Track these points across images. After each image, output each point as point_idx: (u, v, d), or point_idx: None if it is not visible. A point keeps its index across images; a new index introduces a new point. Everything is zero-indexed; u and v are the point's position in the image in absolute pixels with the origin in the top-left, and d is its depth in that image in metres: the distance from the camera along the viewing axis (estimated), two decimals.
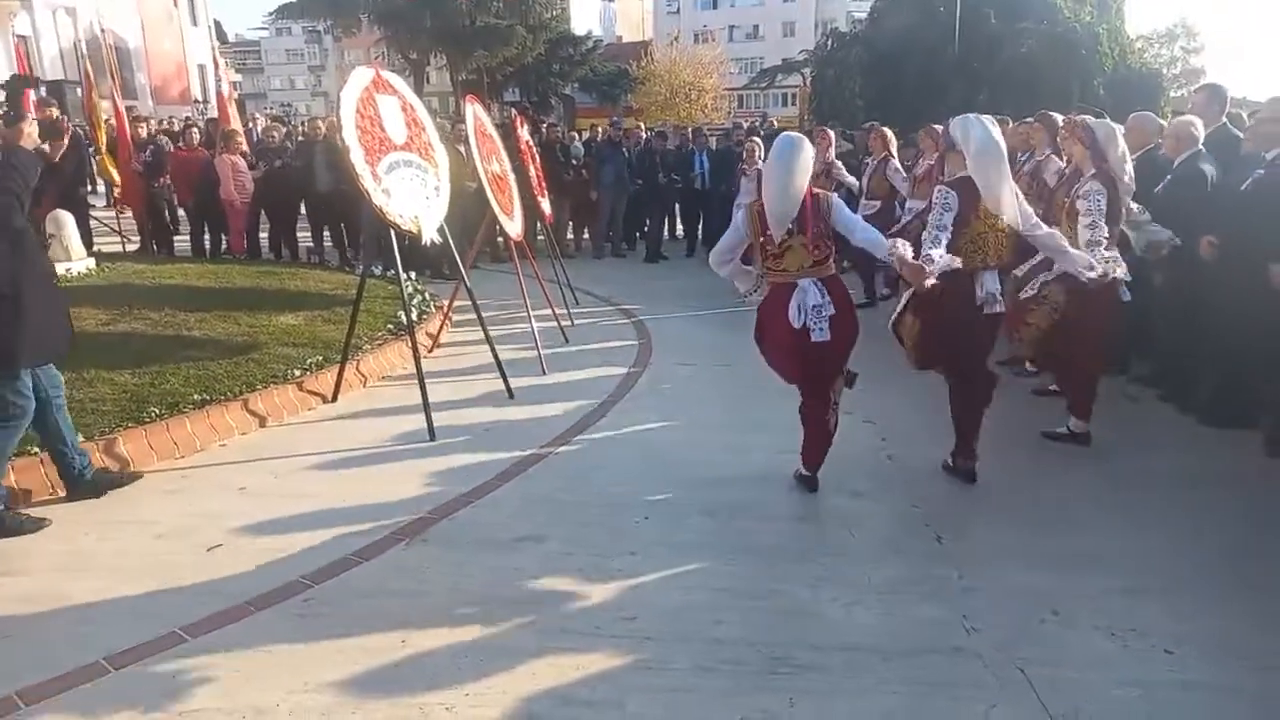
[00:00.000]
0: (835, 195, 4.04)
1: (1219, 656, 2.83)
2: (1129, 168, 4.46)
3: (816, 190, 3.85)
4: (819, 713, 2.58)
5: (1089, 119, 4.70)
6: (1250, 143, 4.97)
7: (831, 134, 8.86)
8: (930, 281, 3.66)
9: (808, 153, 3.78)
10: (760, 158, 9.33)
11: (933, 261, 3.73)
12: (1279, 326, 4.41)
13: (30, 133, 3.52)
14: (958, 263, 3.86)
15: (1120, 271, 4.27)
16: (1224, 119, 5.57)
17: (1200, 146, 5.06)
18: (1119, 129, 4.59)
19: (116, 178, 10.36)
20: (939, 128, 7.27)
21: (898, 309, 4.28)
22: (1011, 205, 3.89)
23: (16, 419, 3.64)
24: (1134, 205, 4.76)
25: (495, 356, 5.64)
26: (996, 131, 3.88)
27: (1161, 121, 5.87)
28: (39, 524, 3.72)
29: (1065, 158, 5.20)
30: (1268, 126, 4.66)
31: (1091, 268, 4.07)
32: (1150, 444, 4.79)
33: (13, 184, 3.39)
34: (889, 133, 8.35)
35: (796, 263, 3.81)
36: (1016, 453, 4.61)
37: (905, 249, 3.74)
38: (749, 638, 2.96)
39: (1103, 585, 3.28)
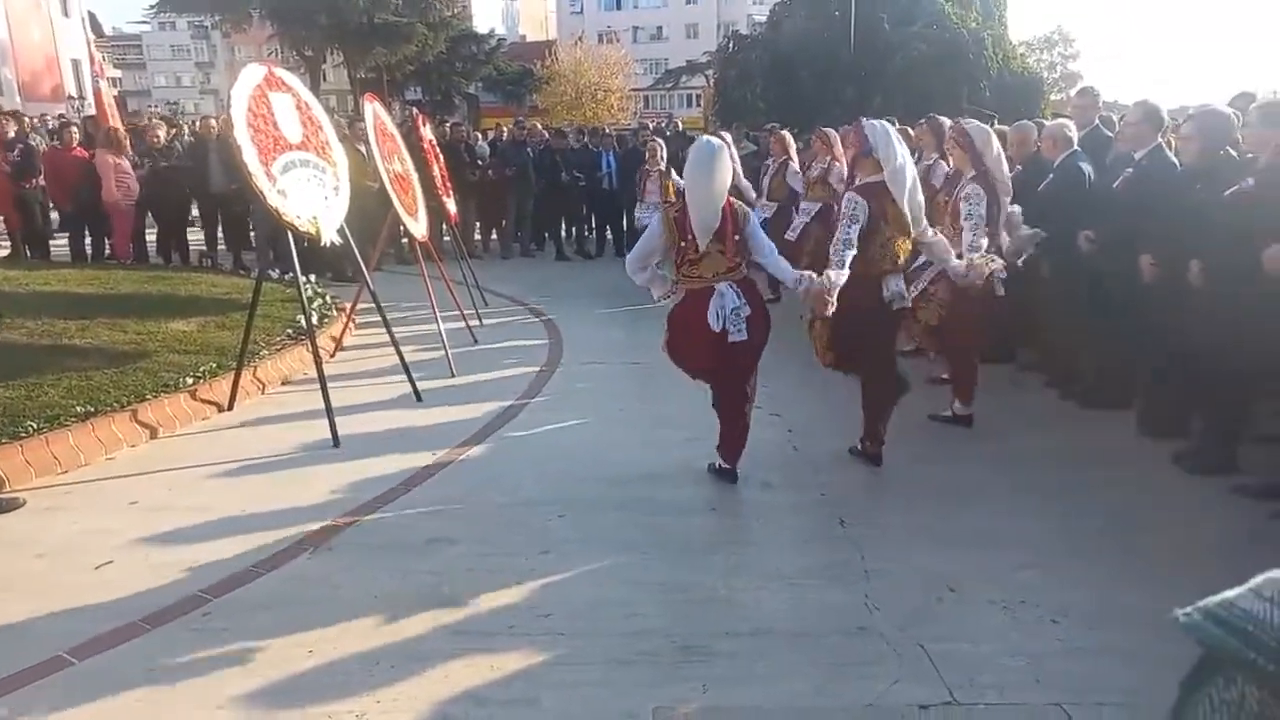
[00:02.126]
0: (752, 212, 4.13)
1: (1099, 622, 3.02)
2: (1005, 168, 4.72)
3: (733, 201, 3.94)
4: (731, 697, 2.63)
5: (968, 124, 4.95)
6: (1121, 143, 5.31)
7: (728, 137, 8.95)
8: (830, 310, 3.86)
9: (726, 159, 3.87)
10: (662, 158, 9.41)
11: (841, 274, 3.90)
12: (1150, 315, 4.73)
13: None
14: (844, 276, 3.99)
15: (996, 268, 4.51)
16: (1096, 121, 5.94)
17: (1076, 146, 5.38)
18: (991, 131, 4.85)
19: None
20: (830, 130, 7.52)
21: (807, 316, 4.42)
22: (918, 216, 4.09)
23: None
24: (1013, 208, 5.00)
25: (401, 359, 5.52)
26: (906, 148, 4.09)
27: (1044, 121, 6.22)
28: None
29: (950, 162, 5.45)
30: (1135, 129, 4.97)
31: (966, 275, 4.29)
32: (1036, 426, 5.07)
33: None
34: (788, 136, 8.53)
35: (712, 269, 3.90)
36: (913, 438, 4.80)
37: (813, 283, 3.89)
38: (663, 629, 2.99)
39: (995, 561, 3.45)
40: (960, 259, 4.36)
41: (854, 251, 4.02)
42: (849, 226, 4.07)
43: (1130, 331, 4.93)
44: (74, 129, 10.47)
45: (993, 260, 4.47)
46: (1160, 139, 4.87)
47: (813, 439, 4.75)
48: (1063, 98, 31.61)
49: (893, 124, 4.54)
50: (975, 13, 25.63)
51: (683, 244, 3.90)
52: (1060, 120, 5.82)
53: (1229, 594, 0.63)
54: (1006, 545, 3.59)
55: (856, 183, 4.23)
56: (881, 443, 4.41)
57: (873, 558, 3.49)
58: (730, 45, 29.46)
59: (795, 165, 8.13)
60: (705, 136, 4.24)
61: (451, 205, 8.54)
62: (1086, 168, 5.24)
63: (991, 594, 3.21)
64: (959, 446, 4.75)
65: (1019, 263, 4.91)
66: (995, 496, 4.11)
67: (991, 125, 5.51)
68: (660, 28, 59.63)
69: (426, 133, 8.49)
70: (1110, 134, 5.83)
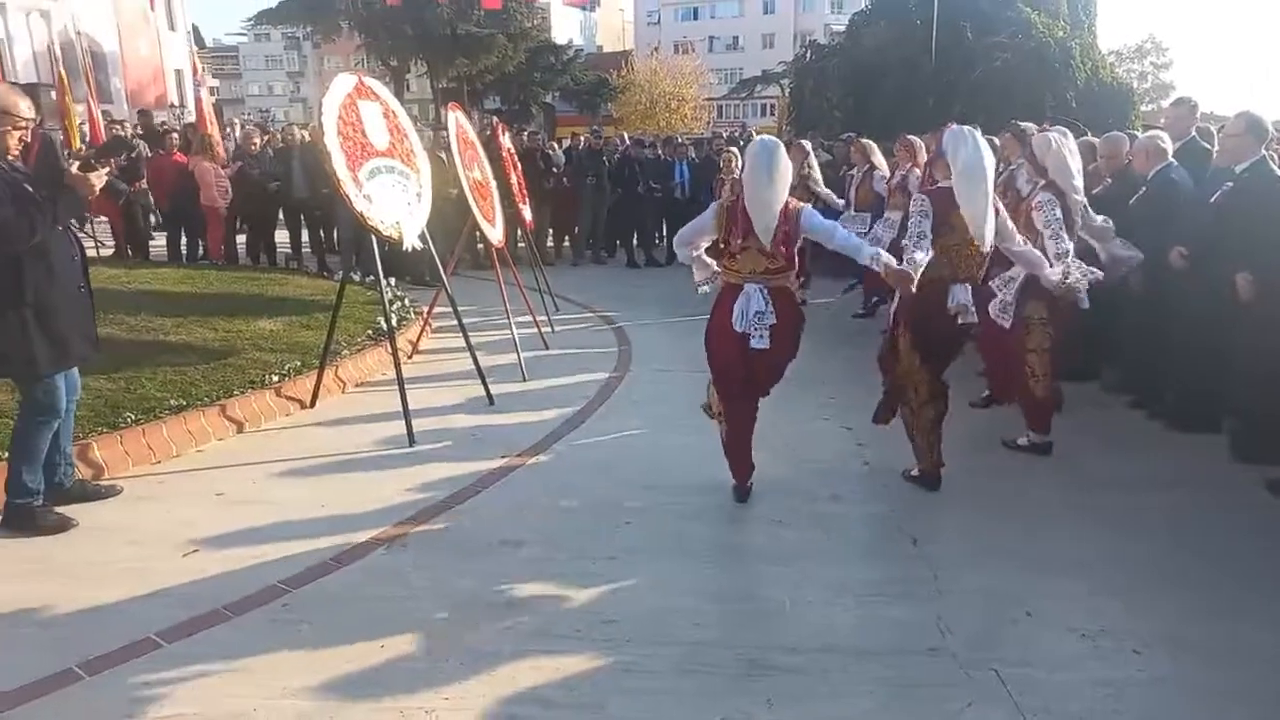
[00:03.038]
0: (806, 205, 4.07)
1: (1183, 653, 2.89)
2: (1074, 178, 4.51)
3: (790, 200, 3.89)
4: (796, 713, 2.60)
5: (1040, 132, 4.79)
6: (1221, 156, 5.07)
7: (807, 145, 8.86)
8: (913, 288, 3.69)
9: (784, 157, 3.81)
10: (737, 167, 9.38)
11: (916, 265, 3.75)
12: (1244, 334, 4.51)
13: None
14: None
15: (1087, 280, 4.33)
16: (1193, 132, 5.69)
17: (1171, 159, 5.17)
18: (1055, 139, 4.63)
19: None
20: (914, 138, 7.37)
21: (885, 341, 4.34)
22: (989, 226, 3.90)
23: (47, 416, 3.71)
24: (1098, 218, 4.81)
25: (476, 362, 5.63)
26: (986, 152, 3.89)
27: (1135, 133, 5.99)
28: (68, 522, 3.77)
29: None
30: (1236, 140, 4.74)
31: (1065, 283, 4.15)
32: (1120, 448, 4.87)
33: (29, 202, 3.39)
34: (870, 143, 8.33)
35: (749, 266, 3.85)
36: (987, 456, 4.68)
37: (889, 257, 3.78)
38: (728, 640, 2.98)
39: (1074, 586, 3.33)
40: (1053, 269, 4.23)
41: (928, 242, 3.87)
42: (920, 220, 3.95)
43: (1225, 351, 4.70)
44: (174, 135, 11.00)
45: (1091, 271, 4.31)
46: (1264, 151, 4.64)
47: (883, 454, 4.65)
48: (1154, 109, 30.42)
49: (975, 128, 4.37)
50: (1063, 21, 24.85)
51: (727, 237, 3.87)
52: (1154, 132, 5.59)
53: None
54: (1087, 570, 3.46)
55: (933, 186, 4.16)
56: (940, 464, 4.26)
57: (944, 576, 3.40)
58: (808, 54, 29.20)
59: (884, 170, 7.88)
60: (761, 136, 4.18)
61: (528, 212, 8.68)
62: (1182, 180, 5.03)
63: (1070, 619, 3.10)
64: (1038, 467, 4.59)
65: (1116, 280, 4.73)
66: (1074, 520, 3.96)
67: (1079, 136, 5.32)
68: (736, 38, 59.62)
69: (505, 141, 8.66)
70: (1208, 146, 5.57)
